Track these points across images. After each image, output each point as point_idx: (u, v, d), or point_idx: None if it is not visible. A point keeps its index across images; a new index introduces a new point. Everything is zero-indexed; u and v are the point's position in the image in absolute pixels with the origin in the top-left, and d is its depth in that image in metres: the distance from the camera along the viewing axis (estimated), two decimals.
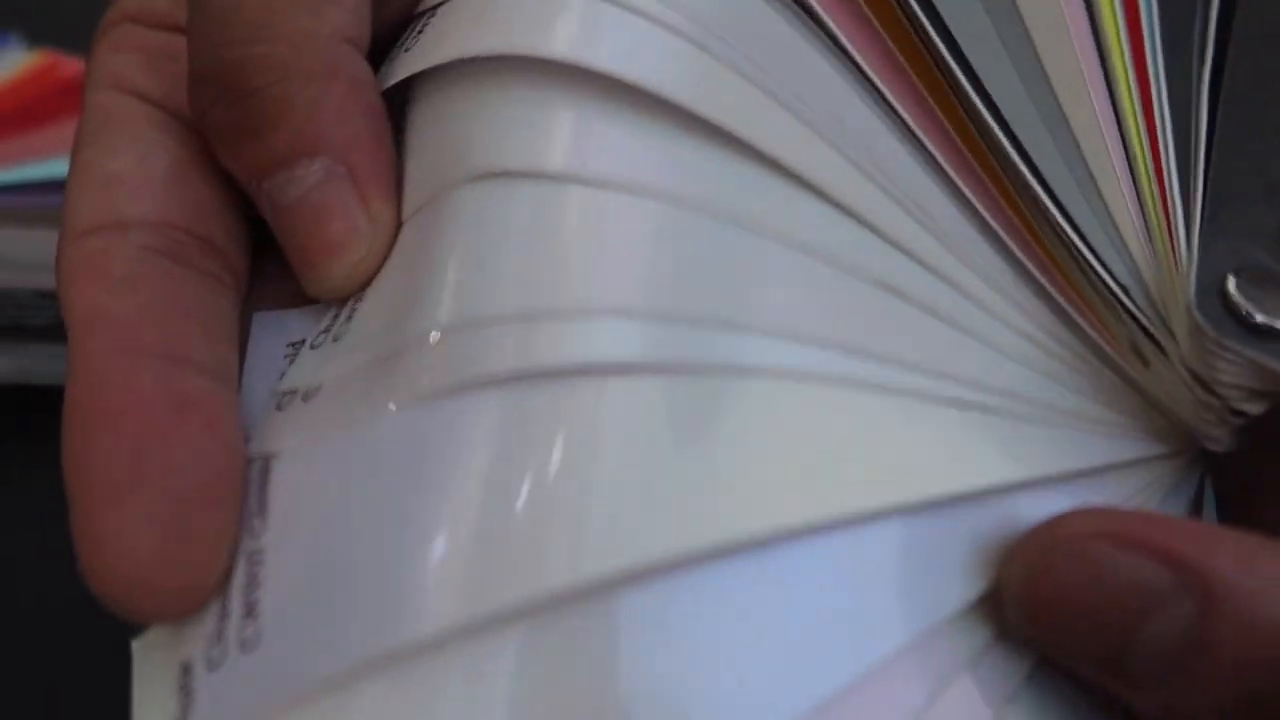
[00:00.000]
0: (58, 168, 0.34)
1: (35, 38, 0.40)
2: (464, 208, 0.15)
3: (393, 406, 0.14)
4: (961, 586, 0.13)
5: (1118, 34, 0.16)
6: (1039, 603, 0.13)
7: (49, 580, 0.31)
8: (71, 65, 0.38)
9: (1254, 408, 0.15)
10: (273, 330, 0.17)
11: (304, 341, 0.16)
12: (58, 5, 0.43)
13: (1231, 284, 0.14)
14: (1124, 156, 0.16)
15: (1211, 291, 0.14)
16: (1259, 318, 0.14)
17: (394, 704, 0.12)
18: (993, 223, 0.15)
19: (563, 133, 0.15)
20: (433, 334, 0.14)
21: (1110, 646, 0.13)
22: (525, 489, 0.13)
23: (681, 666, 0.12)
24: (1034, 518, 0.14)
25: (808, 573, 0.13)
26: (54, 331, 0.33)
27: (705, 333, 0.14)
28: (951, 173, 0.15)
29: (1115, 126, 0.16)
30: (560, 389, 0.13)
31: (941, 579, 0.13)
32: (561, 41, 0.15)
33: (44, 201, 0.33)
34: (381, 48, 0.17)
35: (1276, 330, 0.14)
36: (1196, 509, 0.16)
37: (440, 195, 0.16)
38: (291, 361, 0.16)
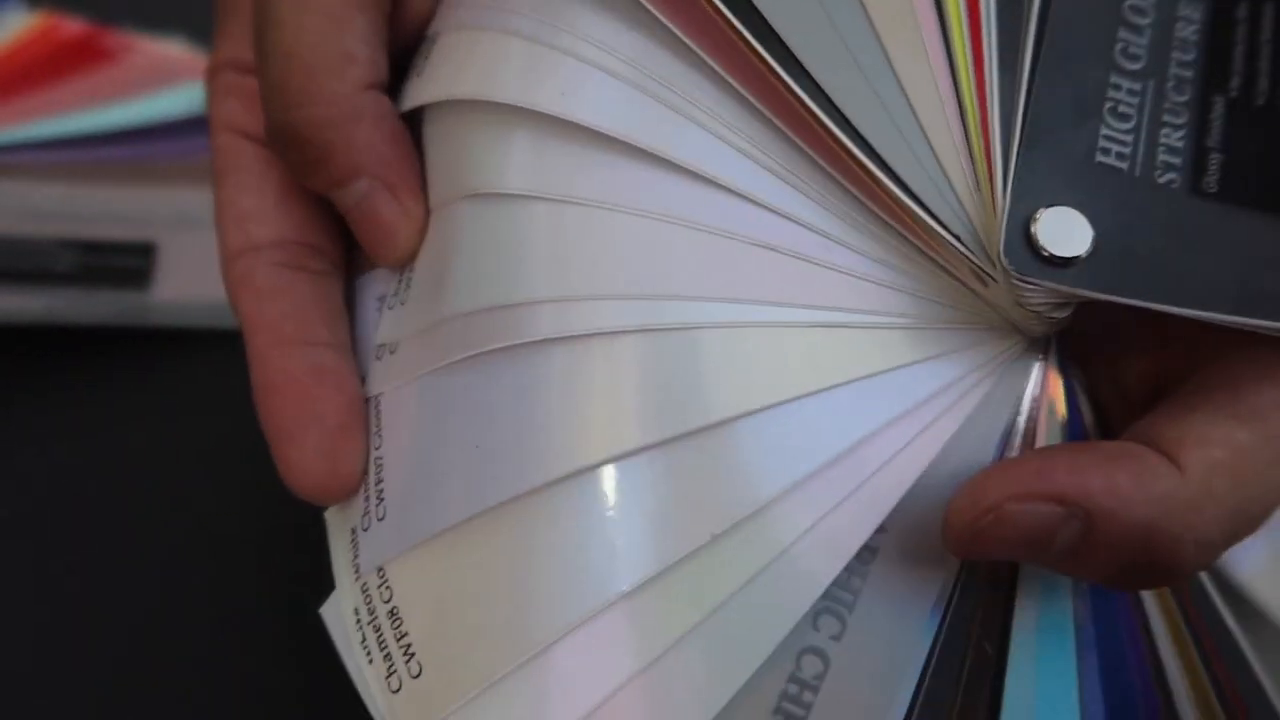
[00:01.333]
0: (71, 124, 0.37)
1: None
2: (462, 220, 0.22)
3: (429, 370, 0.21)
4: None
5: (958, 13, 0.20)
6: (977, 550, 0.19)
7: (80, 503, 0.34)
8: (71, 26, 0.40)
9: (1061, 314, 0.19)
10: (367, 288, 0.24)
11: (384, 298, 0.23)
12: None
13: (1035, 228, 0.19)
14: (958, 115, 0.20)
15: (1019, 235, 0.19)
16: (1055, 252, 0.19)
17: (498, 541, 0.19)
18: (850, 187, 0.20)
19: (522, 161, 0.21)
20: (450, 320, 0.21)
21: (1031, 556, 0.19)
22: (541, 412, 0.20)
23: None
24: (904, 387, 0.20)
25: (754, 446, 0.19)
26: (76, 276, 0.36)
27: (663, 303, 0.19)
28: (814, 155, 0.20)
29: (951, 87, 0.20)
30: (559, 349, 0.20)
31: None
32: (510, 89, 0.21)
33: (61, 156, 0.36)
34: (405, 51, 0.24)
35: (1068, 259, 0.19)
36: (1043, 371, 0.21)
37: (449, 204, 0.22)
38: (380, 315, 0.23)
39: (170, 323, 0.38)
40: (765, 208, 0.20)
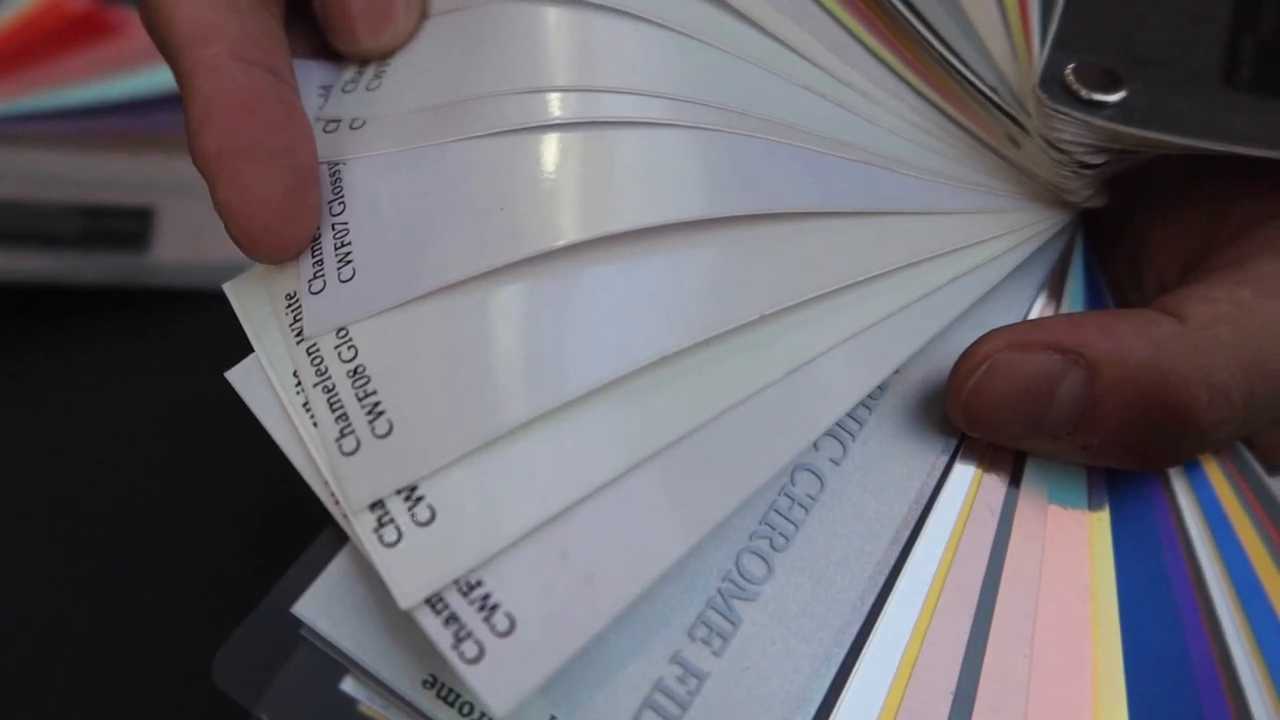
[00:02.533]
0: (76, 95, 0.38)
1: None
2: (503, 18, 0.21)
3: (459, 136, 0.20)
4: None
5: None
6: (976, 408, 0.19)
7: (83, 468, 0.35)
8: (75, 1, 0.42)
9: (1094, 159, 0.21)
10: (307, 73, 0.22)
11: (332, 86, 0.22)
12: None
13: (1069, 73, 0.20)
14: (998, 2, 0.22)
15: (1055, 80, 0.20)
16: (1085, 94, 0.20)
17: (458, 306, 0.19)
18: (891, 56, 0.22)
19: None
20: (501, 98, 0.20)
21: (1032, 420, 0.19)
22: (568, 177, 0.19)
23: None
24: (948, 231, 0.21)
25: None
26: (81, 239, 0.38)
27: (720, 111, 0.20)
28: (857, 25, 0.22)
29: None
30: (605, 131, 0.20)
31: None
32: None
33: (66, 126, 0.37)
34: None
35: (1100, 102, 0.20)
36: (1066, 257, 0.22)
37: (476, 6, 0.22)
38: (325, 100, 0.22)
39: (167, 284, 0.39)
40: (810, 60, 0.22)
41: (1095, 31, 0.21)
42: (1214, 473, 0.21)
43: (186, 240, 0.39)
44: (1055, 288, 0.22)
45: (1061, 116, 0.20)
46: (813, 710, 0.18)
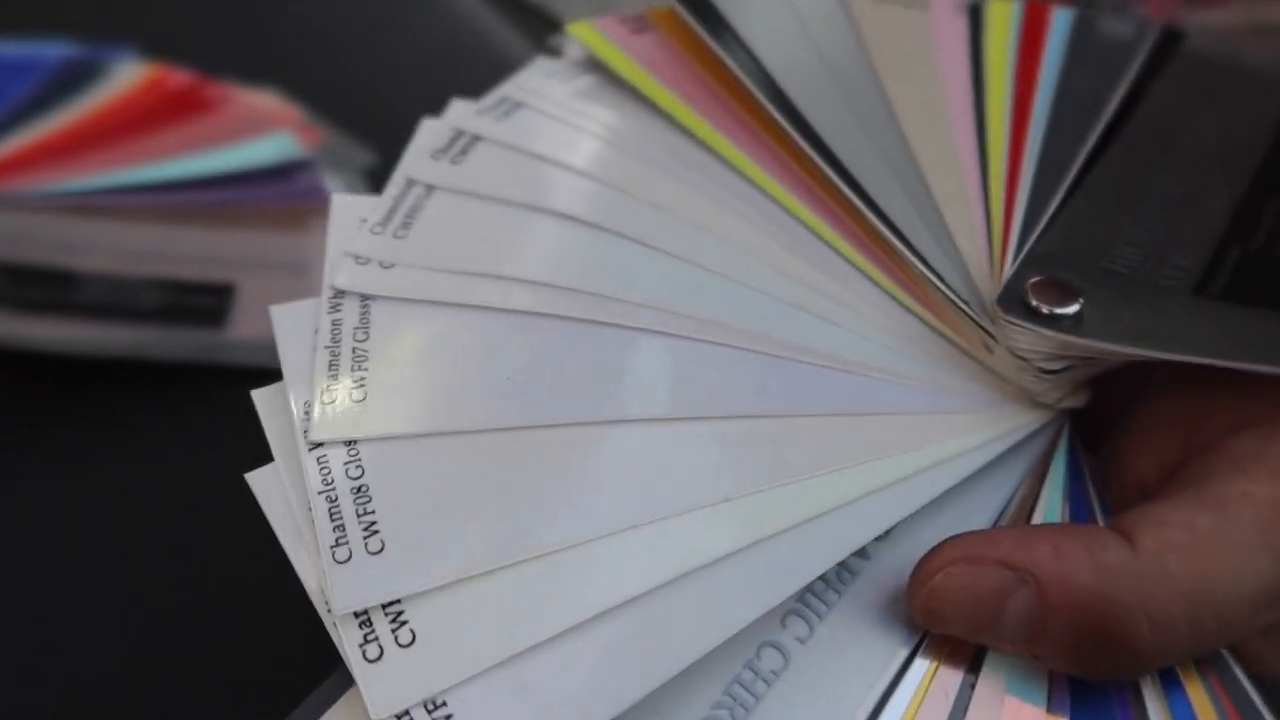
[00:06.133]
0: (165, 170, 0.39)
1: (148, 50, 0.45)
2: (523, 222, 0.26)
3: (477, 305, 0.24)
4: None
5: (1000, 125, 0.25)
6: (933, 611, 0.20)
7: (154, 533, 0.36)
8: (177, 78, 0.43)
9: (1052, 365, 0.22)
10: (347, 206, 0.26)
11: (366, 221, 0.26)
12: (169, 19, 0.48)
13: (1029, 286, 0.22)
14: (984, 219, 0.24)
15: (1015, 294, 0.22)
16: (1044, 309, 0.21)
17: (457, 450, 0.22)
18: (876, 270, 0.24)
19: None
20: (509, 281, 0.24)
21: (986, 626, 0.20)
22: (586, 364, 0.23)
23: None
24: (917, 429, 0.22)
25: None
26: (162, 314, 0.39)
27: (722, 329, 0.23)
28: (853, 248, 0.24)
29: (981, 199, 0.24)
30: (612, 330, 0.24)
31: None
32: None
33: (158, 200, 0.39)
34: None
35: (1056, 315, 0.21)
36: (1051, 449, 0.23)
37: (497, 198, 0.26)
38: (357, 231, 0.25)
39: (244, 360, 0.40)
40: (801, 282, 0.24)
41: (1071, 247, 0.23)
42: (1191, 682, 0.21)
43: (263, 317, 0.38)
44: (1036, 481, 0.23)
45: (1015, 328, 0.21)
46: None
